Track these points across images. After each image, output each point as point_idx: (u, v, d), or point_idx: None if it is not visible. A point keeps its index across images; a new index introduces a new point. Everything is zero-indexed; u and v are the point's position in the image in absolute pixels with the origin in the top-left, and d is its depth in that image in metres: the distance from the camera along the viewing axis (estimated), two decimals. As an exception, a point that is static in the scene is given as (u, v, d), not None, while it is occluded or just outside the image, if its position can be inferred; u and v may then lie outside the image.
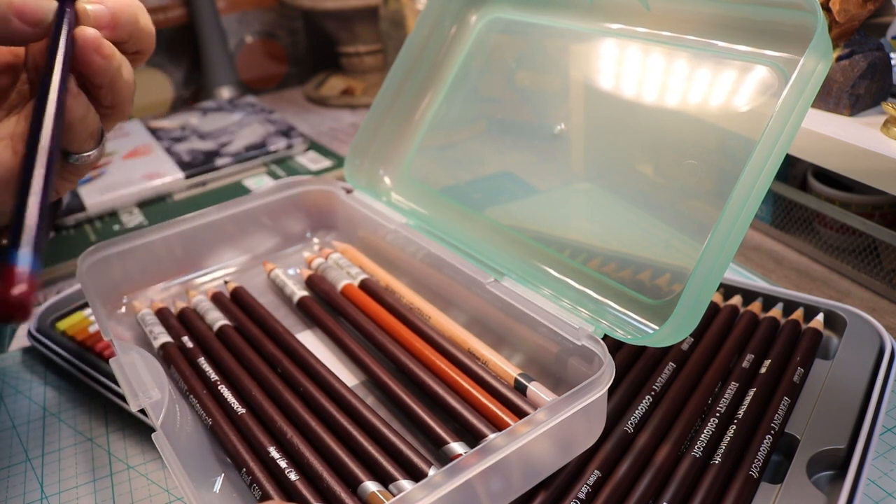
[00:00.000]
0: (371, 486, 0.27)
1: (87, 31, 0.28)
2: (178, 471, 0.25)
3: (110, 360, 0.30)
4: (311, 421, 0.31)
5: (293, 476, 0.28)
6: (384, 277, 0.41)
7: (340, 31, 0.88)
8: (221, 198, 0.61)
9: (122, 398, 0.37)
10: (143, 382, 0.29)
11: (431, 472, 0.27)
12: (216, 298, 0.40)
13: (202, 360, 0.35)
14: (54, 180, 0.23)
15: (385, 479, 0.28)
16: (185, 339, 0.36)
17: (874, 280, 0.46)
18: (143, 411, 0.29)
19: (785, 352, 0.35)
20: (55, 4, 0.27)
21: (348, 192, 0.45)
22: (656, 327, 0.31)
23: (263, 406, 0.32)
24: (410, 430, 0.31)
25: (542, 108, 0.40)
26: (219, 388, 0.33)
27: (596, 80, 0.38)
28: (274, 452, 0.29)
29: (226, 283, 0.42)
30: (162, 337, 0.36)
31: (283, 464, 0.28)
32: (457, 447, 0.29)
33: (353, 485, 0.28)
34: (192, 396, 0.32)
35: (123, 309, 0.40)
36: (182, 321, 0.38)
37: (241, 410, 0.31)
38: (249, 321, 0.38)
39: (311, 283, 0.41)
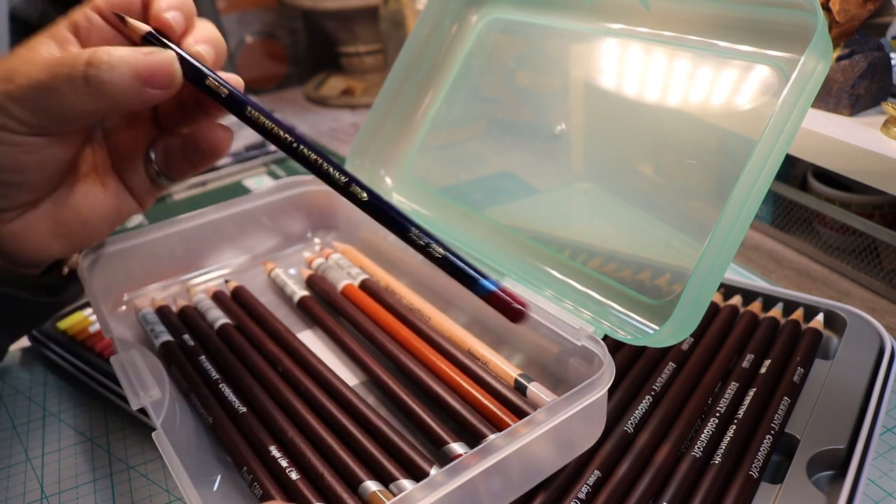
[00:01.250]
0: (372, 485, 0.27)
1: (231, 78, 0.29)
2: (179, 470, 0.25)
3: (111, 359, 0.30)
4: (311, 420, 0.31)
5: (294, 475, 0.28)
6: (384, 278, 0.41)
7: (340, 31, 0.88)
8: (221, 198, 0.61)
9: (122, 398, 0.37)
10: (144, 381, 0.29)
11: (433, 471, 0.27)
12: (217, 297, 0.40)
13: (203, 359, 0.35)
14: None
15: (386, 479, 0.28)
16: (186, 337, 0.36)
17: (874, 280, 0.46)
18: (143, 411, 0.29)
19: (785, 352, 0.35)
20: (174, 58, 0.27)
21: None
22: (656, 327, 0.31)
23: (265, 405, 0.32)
24: (411, 430, 0.31)
25: (543, 108, 0.40)
26: (220, 386, 0.33)
27: (596, 80, 0.38)
28: (275, 451, 0.29)
29: (226, 282, 0.42)
30: (163, 335, 0.36)
31: (284, 463, 0.29)
32: (457, 447, 0.29)
33: (353, 484, 0.28)
34: (193, 395, 0.32)
35: (123, 308, 0.40)
36: (183, 320, 0.38)
37: (243, 409, 0.31)
38: (250, 320, 0.38)
39: (312, 283, 0.41)
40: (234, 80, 0.30)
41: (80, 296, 0.35)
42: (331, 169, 0.28)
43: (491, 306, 0.27)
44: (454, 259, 0.27)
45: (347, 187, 0.28)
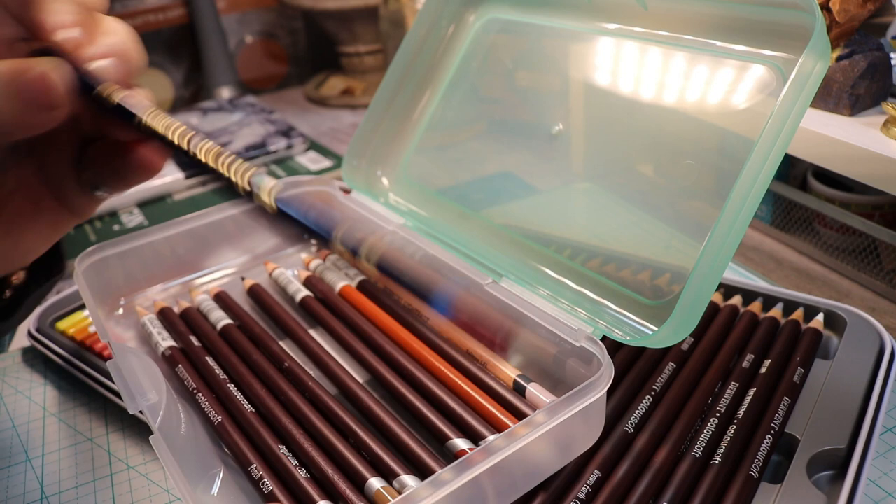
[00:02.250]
0: (376, 482, 0.27)
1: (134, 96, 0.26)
2: (176, 473, 0.25)
3: (107, 363, 0.30)
4: (314, 419, 0.31)
5: (303, 473, 0.28)
6: (382, 278, 0.41)
7: (340, 31, 0.88)
8: (221, 198, 0.61)
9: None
10: (141, 385, 0.29)
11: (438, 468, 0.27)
12: (219, 298, 0.40)
13: (209, 360, 0.35)
14: None
15: (389, 476, 0.28)
16: (191, 338, 0.37)
17: (874, 280, 0.46)
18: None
19: (785, 352, 0.35)
20: (66, 76, 0.24)
21: (346, 192, 0.45)
22: (655, 328, 0.31)
23: (270, 405, 0.32)
24: (415, 427, 0.31)
25: (540, 108, 0.40)
26: (228, 386, 0.33)
27: (594, 80, 0.38)
28: (285, 450, 0.29)
29: (242, 279, 0.42)
30: (167, 337, 0.37)
31: (293, 461, 0.29)
32: (461, 443, 0.29)
33: (359, 482, 0.28)
34: (200, 395, 0.32)
35: (121, 311, 0.40)
36: (186, 321, 0.38)
37: (251, 409, 0.32)
38: (252, 320, 0.38)
39: (309, 284, 0.41)
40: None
41: (24, 317, 0.33)
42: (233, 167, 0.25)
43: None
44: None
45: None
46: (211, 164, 0.25)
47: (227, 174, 0.25)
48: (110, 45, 0.26)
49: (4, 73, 0.22)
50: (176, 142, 0.25)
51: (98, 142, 0.28)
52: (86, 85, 0.25)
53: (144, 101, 0.26)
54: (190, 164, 0.25)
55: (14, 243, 0.28)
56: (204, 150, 0.25)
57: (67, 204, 0.29)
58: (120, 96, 0.25)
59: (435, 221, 0.42)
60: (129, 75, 0.26)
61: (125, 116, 0.25)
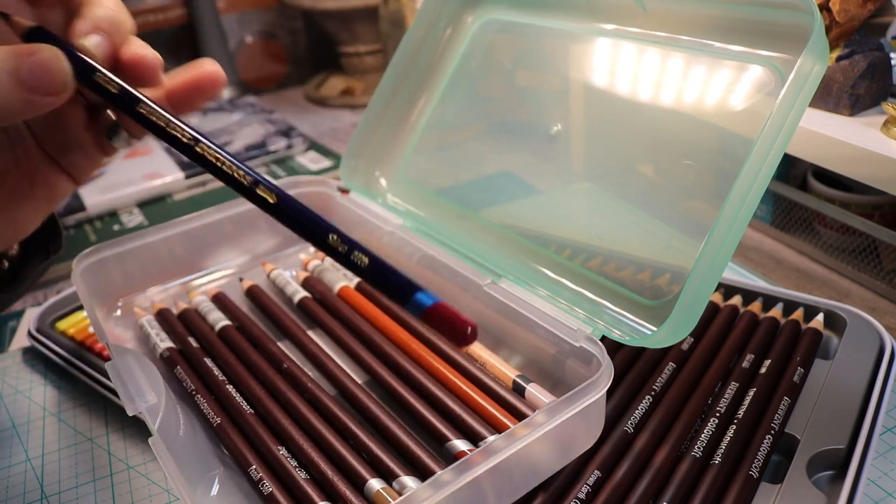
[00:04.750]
0: (376, 483, 0.27)
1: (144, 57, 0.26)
2: (176, 475, 0.25)
3: (106, 365, 0.30)
4: (313, 420, 0.31)
5: (303, 475, 0.28)
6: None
7: (340, 31, 0.88)
8: (221, 198, 0.61)
9: (122, 399, 0.37)
10: (140, 387, 0.29)
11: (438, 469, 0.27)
12: (217, 299, 0.40)
13: (208, 361, 0.35)
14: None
15: (388, 477, 0.28)
16: (190, 340, 0.36)
17: (874, 280, 0.46)
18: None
19: (785, 352, 0.35)
20: (60, 54, 0.24)
21: (344, 192, 0.45)
22: (654, 328, 0.31)
23: (269, 406, 0.32)
24: (414, 428, 0.31)
25: (539, 108, 0.40)
26: (227, 388, 0.33)
27: (593, 80, 0.38)
28: (284, 451, 0.29)
29: (240, 280, 0.42)
30: (166, 339, 0.36)
31: (293, 462, 0.29)
32: (460, 444, 0.29)
33: (359, 483, 0.28)
34: (199, 397, 0.32)
35: (119, 312, 0.40)
36: (184, 322, 0.38)
37: (250, 410, 0.32)
38: (250, 321, 0.38)
39: (308, 285, 0.41)
40: (151, 59, 0.26)
41: (29, 288, 0.33)
42: (234, 168, 0.24)
43: (429, 325, 0.22)
44: (384, 265, 0.22)
45: (255, 188, 0.24)
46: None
47: None
48: (100, 19, 0.26)
49: (5, 59, 0.22)
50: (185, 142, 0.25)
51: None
52: (83, 67, 0.25)
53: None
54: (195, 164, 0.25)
55: (10, 220, 0.27)
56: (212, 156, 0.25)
57: (69, 166, 0.28)
58: (118, 85, 0.25)
59: (433, 222, 0.42)
60: (121, 47, 0.26)
61: (125, 104, 0.25)
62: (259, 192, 0.24)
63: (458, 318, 0.21)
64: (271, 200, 0.24)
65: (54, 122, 0.27)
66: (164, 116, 0.25)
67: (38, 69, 0.23)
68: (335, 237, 0.23)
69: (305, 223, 0.24)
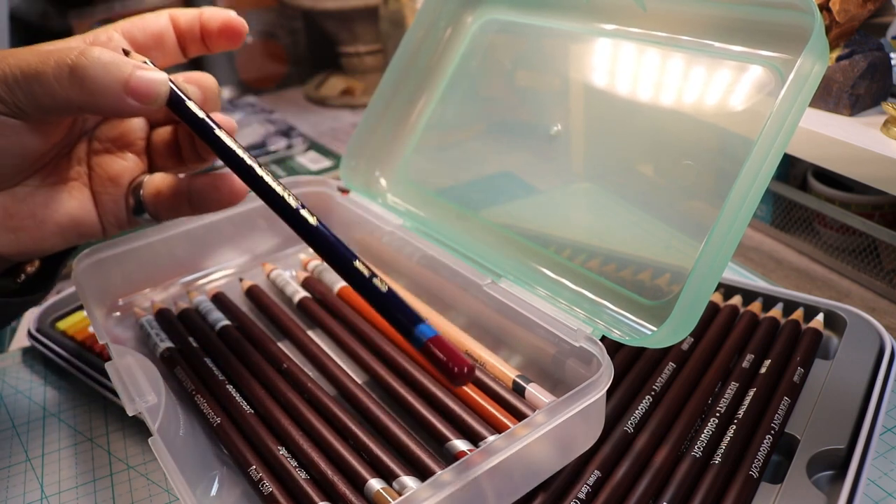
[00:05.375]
0: (376, 483, 0.27)
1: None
2: (176, 475, 0.25)
3: (106, 365, 0.30)
4: (313, 420, 0.31)
5: (303, 474, 0.28)
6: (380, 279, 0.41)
7: (340, 31, 0.88)
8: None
9: (122, 399, 0.37)
10: (140, 386, 0.29)
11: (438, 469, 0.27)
12: (217, 299, 0.40)
13: (208, 361, 0.35)
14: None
15: (389, 477, 0.28)
16: (189, 339, 0.36)
17: (874, 280, 0.46)
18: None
19: (785, 352, 0.35)
20: (168, 84, 0.29)
21: (344, 192, 0.45)
22: (654, 328, 0.31)
23: (270, 406, 0.32)
24: (414, 428, 0.31)
25: (539, 108, 0.40)
26: (227, 387, 0.33)
27: (593, 80, 0.38)
28: (284, 451, 0.29)
29: (240, 280, 0.42)
30: (166, 339, 0.36)
31: (293, 462, 0.29)
32: (460, 444, 0.29)
33: (359, 483, 0.28)
34: (198, 397, 0.32)
35: (118, 313, 0.40)
36: (184, 322, 0.38)
37: (250, 410, 0.31)
38: (250, 321, 0.38)
39: (308, 285, 0.41)
40: (227, 123, 0.33)
41: (38, 301, 0.34)
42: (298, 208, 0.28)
43: (427, 358, 0.23)
44: (398, 297, 0.25)
45: (299, 211, 0.28)
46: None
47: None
48: (200, 78, 0.34)
49: (125, 62, 0.27)
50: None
51: (162, 169, 0.34)
52: (176, 96, 0.30)
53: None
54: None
55: (37, 225, 0.31)
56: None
57: (104, 214, 0.33)
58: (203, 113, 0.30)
59: (433, 222, 0.42)
60: (208, 107, 0.34)
61: (205, 131, 0.29)
62: (303, 213, 0.27)
63: (456, 353, 0.22)
64: (313, 222, 0.27)
65: (110, 161, 0.33)
66: (230, 144, 0.30)
67: (144, 79, 0.28)
68: (360, 261, 0.26)
69: (336, 247, 0.26)
